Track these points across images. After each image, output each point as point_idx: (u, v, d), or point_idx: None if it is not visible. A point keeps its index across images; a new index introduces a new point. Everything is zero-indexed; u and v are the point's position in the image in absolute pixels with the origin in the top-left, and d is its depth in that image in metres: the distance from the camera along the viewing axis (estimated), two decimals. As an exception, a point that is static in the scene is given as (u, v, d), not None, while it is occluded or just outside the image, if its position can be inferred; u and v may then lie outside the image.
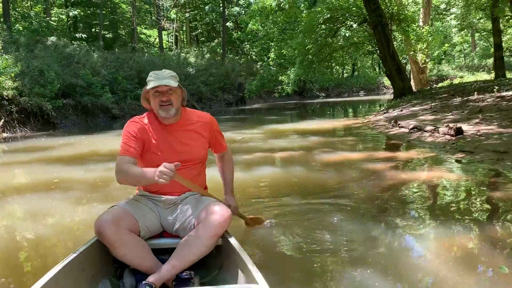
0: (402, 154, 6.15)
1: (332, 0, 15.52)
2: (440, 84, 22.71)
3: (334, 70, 32.69)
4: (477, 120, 6.95)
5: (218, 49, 32.51)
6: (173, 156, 2.21)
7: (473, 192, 3.89)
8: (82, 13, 26.92)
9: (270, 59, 23.00)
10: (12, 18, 21.70)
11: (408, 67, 22.80)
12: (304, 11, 16.73)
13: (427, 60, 20.20)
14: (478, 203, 3.58)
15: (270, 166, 5.70)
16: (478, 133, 6.02)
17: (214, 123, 2.45)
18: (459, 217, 3.13)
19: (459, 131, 6.16)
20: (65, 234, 3.23)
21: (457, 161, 5.17)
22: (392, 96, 16.75)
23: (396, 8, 16.31)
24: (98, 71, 17.51)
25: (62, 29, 26.58)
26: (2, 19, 20.05)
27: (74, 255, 1.91)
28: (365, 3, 14.40)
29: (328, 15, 15.37)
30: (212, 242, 2.06)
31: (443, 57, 40.61)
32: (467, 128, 6.48)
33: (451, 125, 6.40)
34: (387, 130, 8.33)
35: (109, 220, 1.96)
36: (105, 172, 5.38)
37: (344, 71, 40.13)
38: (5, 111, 12.41)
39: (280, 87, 15.94)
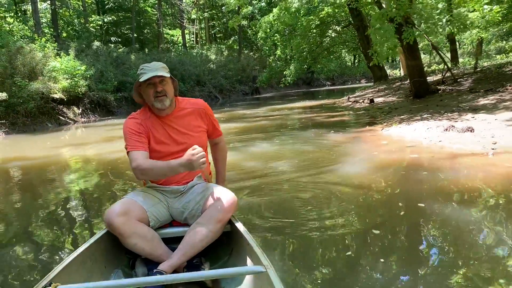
0: (335, 113, 10.93)
1: (324, 7, 19.89)
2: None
3: (339, 60, 36.33)
4: (390, 95, 11.49)
5: (235, 46, 36.46)
6: (175, 147, 2.28)
7: (354, 121, 8.81)
8: (115, 19, 30.71)
9: (277, 55, 27.66)
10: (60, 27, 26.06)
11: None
12: (302, 18, 21.01)
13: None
14: (352, 122, 8.38)
15: (264, 121, 10.62)
16: (382, 102, 10.59)
17: (208, 109, 2.44)
18: (336, 126, 7.89)
19: (371, 101, 10.78)
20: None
21: (357, 113, 9.88)
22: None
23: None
24: (141, 70, 22.19)
25: (98, 34, 31.01)
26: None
27: (86, 246, 1.97)
28: (350, 10, 18.79)
29: (318, 22, 19.85)
30: (219, 228, 2.09)
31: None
32: (380, 99, 11.08)
33: (369, 97, 11.00)
34: (342, 103, 13.06)
35: (119, 211, 2.02)
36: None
37: (355, 60, 43.81)
38: (81, 102, 17.35)
39: (283, 78, 20.54)
